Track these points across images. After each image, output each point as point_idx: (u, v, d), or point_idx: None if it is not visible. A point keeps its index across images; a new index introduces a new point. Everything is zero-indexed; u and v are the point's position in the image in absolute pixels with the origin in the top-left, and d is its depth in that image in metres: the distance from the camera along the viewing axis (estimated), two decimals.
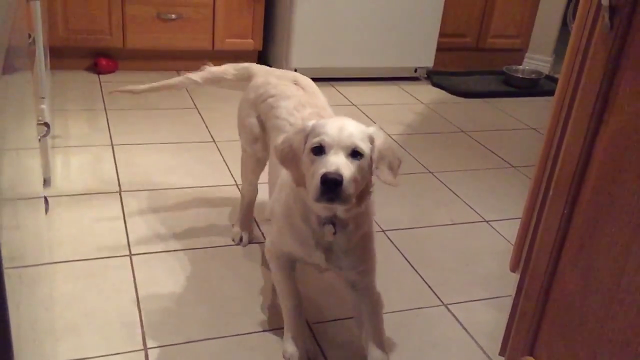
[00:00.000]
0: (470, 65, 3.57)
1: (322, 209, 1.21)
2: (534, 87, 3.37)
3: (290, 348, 1.33)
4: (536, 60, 3.63)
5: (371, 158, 1.18)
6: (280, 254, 1.36)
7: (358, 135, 1.16)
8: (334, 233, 1.23)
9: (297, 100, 1.47)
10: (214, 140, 2.37)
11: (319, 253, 1.27)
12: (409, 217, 1.97)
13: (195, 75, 1.70)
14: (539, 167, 1.11)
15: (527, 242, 1.16)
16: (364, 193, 1.21)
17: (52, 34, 2.73)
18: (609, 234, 0.96)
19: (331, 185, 1.10)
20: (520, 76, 3.39)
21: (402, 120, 2.76)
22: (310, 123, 1.22)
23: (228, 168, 2.15)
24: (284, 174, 1.31)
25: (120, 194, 1.91)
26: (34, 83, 1.65)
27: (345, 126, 1.16)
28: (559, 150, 1.04)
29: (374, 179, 1.22)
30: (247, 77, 1.68)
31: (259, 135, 1.57)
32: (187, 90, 2.86)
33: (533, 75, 3.43)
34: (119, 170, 2.06)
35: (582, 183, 1.01)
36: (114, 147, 2.22)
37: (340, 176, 1.11)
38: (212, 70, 1.71)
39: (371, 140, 1.19)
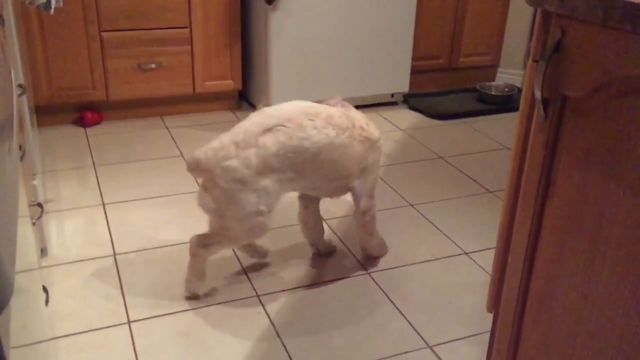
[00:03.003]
0: (445, 84, 3.68)
1: None
2: (508, 102, 3.48)
3: None
4: (508, 75, 3.74)
5: None
6: None
7: None
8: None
9: None
10: None
11: None
12: (393, 255, 2.07)
13: None
14: (503, 224, 1.21)
15: (501, 278, 1.26)
16: None
17: (36, 94, 2.82)
18: (562, 296, 1.06)
19: None
20: (494, 93, 3.50)
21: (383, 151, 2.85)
22: None
23: None
24: None
25: (114, 257, 2.00)
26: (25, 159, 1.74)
27: None
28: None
29: None
30: None
31: None
32: (172, 136, 2.95)
33: (506, 90, 3.55)
34: (112, 231, 2.14)
35: (535, 252, 1.11)
36: (106, 206, 2.31)
37: None
38: None
39: None
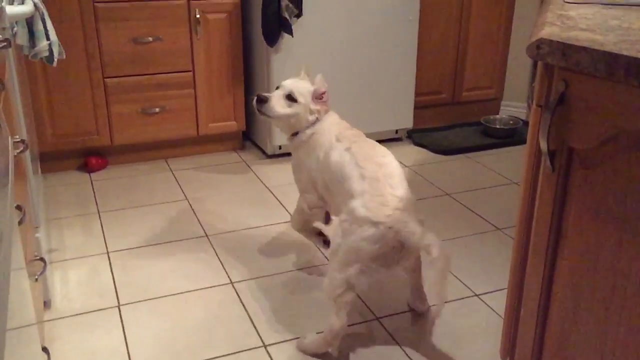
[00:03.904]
0: (449, 119, 3.67)
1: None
2: (513, 135, 3.46)
3: None
4: (512, 107, 3.73)
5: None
6: None
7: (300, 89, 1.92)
8: None
9: None
10: (206, 235, 2.43)
11: None
12: (401, 299, 2.03)
13: None
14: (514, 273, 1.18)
15: (514, 326, 1.22)
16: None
17: (41, 140, 2.83)
18: (577, 355, 1.02)
19: (259, 100, 1.92)
20: (498, 126, 3.49)
21: None
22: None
23: (222, 265, 2.21)
24: None
25: (119, 309, 1.97)
26: (28, 214, 1.73)
27: (297, 82, 1.97)
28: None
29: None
30: None
31: None
32: (176, 179, 2.94)
33: (511, 122, 3.53)
34: (116, 281, 2.12)
35: (548, 308, 1.07)
36: (110, 254, 2.29)
37: (267, 98, 1.91)
38: None
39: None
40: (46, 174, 2.93)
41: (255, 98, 1.94)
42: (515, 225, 1.14)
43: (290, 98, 1.92)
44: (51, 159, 2.94)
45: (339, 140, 1.86)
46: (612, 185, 0.91)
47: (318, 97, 1.96)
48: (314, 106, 1.95)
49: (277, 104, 1.92)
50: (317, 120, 1.96)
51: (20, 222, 1.15)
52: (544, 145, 0.98)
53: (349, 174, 1.71)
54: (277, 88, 1.97)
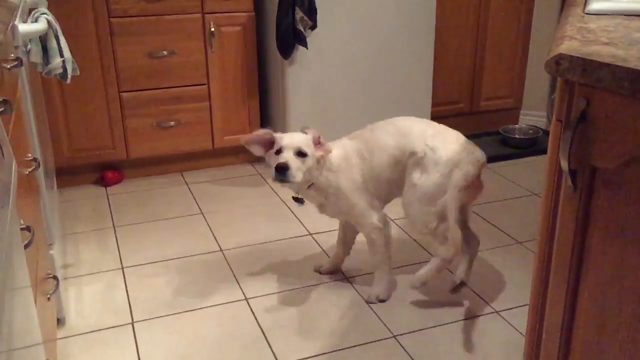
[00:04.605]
0: (466, 129, 3.59)
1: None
2: (533, 145, 3.40)
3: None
4: (532, 116, 3.67)
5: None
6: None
7: (303, 141, 1.84)
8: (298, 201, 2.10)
9: None
10: (220, 250, 2.41)
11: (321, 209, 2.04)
12: (419, 316, 1.98)
13: None
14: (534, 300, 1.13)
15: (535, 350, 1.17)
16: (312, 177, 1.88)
17: (57, 155, 2.84)
18: None
19: (281, 170, 1.79)
20: (517, 136, 3.43)
21: None
22: (277, 134, 1.89)
23: (237, 281, 2.19)
24: None
25: (132, 326, 1.95)
26: (41, 231, 1.72)
27: (295, 136, 1.88)
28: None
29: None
30: None
31: None
32: (192, 193, 2.93)
33: (530, 132, 3.47)
34: (130, 297, 2.10)
35: (571, 331, 1.02)
36: (124, 270, 2.28)
37: (287, 164, 1.79)
38: None
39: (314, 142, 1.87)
40: (62, 188, 2.94)
41: (275, 170, 1.80)
42: (536, 247, 1.09)
43: (300, 154, 1.84)
44: (68, 174, 2.95)
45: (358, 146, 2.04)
46: (638, 205, 0.86)
47: (316, 142, 1.91)
48: (318, 154, 1.89)
49: (296, 166, 1.81)
50: (324, 163, 1.94)
51: (29, 243, 1.14)
52: (564, 165, 0.93)
53: (410, 132, 2.00)
54: (278, 151, 1.84)
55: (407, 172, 1.96)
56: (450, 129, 2.06)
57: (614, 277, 0.93)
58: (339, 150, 2.00)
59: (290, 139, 1.86)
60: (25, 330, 0.99)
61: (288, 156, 1.81)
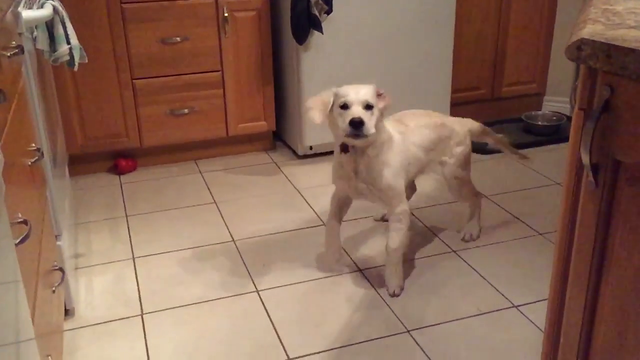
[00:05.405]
0: (488, 116, 3.51)
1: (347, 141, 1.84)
2: (556, 132, 3.29)
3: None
4: (556, 103, 3.55)
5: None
6: (335, 197, 2.07)
7: (369, 93, 1.81)
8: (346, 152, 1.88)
9: None
10: (232, 240, 2.37)
11: (352, 175, 1.90)
12: (434, 311, 1.92)
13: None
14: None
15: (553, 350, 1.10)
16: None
17: (70, 144, 2.83)
18: None
19: (357, 125, 1.74)
20: (541, 123, 3.32)
21: (422, 191, 2.71)
22: (336, 89, 1.85)
23: (248, 272, 2.15)
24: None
25: (142, 317, 1.93)
26: (46, 222, 1.69)
27: (360, 88, 1.82)
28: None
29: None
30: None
31: None
32: (205, 182, 2.90)
33: (554, 119, 3.36)
34: (140, 289, 2.08)
35: (591, 333, 0.96)
36: (135, 260, 2.25)
37: (361, 119, 1.74)
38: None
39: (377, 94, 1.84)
40: (76, 176, 2.93)
41: (350, 125, 1.75)
42: (555, 245, 1.02)
43: (368, 106, 1.79)
44: (81, 162, 2.93)
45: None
46: None
47: (377, 93, 1.86)
48: (380, 105, 1.85)
49: (368, 119, 1.77)
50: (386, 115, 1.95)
51: (25, 237, 1.10)
52: (585, 159, 0.86)
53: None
54: (344, 106, 1.79)
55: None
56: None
57: (637, 277, 0.86)
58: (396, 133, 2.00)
59: (357, 93, 1.80)
60: (11, 325, 0.95)
61: (359, 110, 1.76)
